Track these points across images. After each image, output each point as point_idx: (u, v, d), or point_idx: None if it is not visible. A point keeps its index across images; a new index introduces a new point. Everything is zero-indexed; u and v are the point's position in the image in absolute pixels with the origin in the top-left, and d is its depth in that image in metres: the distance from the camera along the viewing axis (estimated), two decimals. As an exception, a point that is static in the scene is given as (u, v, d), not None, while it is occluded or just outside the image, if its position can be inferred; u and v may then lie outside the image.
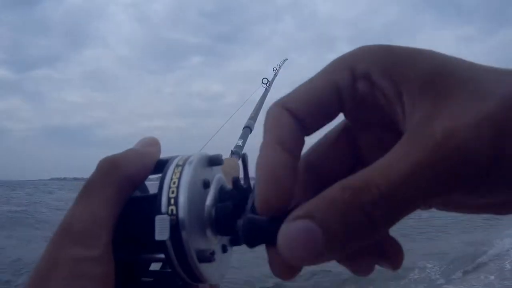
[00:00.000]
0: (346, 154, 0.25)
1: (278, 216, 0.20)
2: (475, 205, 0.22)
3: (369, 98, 0.21)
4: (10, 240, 7.95)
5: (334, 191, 0.18)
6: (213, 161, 0.30)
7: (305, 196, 0.20)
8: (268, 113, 0.23)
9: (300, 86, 0.22)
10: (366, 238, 0.18)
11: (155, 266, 0.30)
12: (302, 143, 0.23)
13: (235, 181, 0.28)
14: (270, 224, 0.21)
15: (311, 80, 0.22)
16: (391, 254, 0.24)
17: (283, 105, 0.22)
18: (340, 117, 0.24)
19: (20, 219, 11.19)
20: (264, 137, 0.22)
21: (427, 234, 8.41)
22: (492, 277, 5.03)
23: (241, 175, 0.29)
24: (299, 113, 0.22)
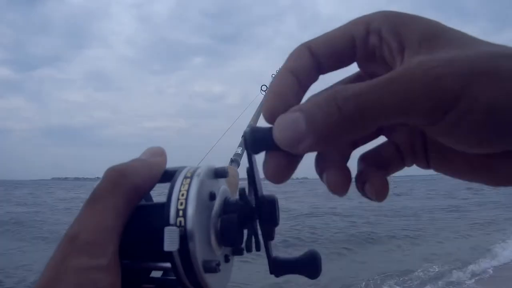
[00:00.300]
0: None
1: None
2: (469, 159, 0.24)
3: (377, 50, 0.25)
4: (13, 242, 7.95)
5: (323, 93, 0.22)
6: (219, 174, 0.31)
7: None
8: (293, 50, 0.26)
9: (324, 33, 0.26)
10: (340, 131, 0.21)
11: (155, 273, 0.30)
12: (313, 77, 0.26)
13: (242, 193, 0.29)
14: (271, 132, 0.23)
15: (333, 30, 0.26)
16: (377, 183, 0.27)
17: (305, 44, 0.26)
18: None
19: (22, 220, 11.20)
20: (282, 66, 0.26)
21: (427, 235, 8.41)
22: (472, 281, 5.07)
23: (241, 179, 0.30)
24: (317, 52, 0.25)
